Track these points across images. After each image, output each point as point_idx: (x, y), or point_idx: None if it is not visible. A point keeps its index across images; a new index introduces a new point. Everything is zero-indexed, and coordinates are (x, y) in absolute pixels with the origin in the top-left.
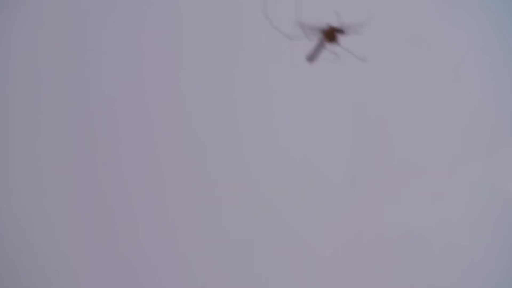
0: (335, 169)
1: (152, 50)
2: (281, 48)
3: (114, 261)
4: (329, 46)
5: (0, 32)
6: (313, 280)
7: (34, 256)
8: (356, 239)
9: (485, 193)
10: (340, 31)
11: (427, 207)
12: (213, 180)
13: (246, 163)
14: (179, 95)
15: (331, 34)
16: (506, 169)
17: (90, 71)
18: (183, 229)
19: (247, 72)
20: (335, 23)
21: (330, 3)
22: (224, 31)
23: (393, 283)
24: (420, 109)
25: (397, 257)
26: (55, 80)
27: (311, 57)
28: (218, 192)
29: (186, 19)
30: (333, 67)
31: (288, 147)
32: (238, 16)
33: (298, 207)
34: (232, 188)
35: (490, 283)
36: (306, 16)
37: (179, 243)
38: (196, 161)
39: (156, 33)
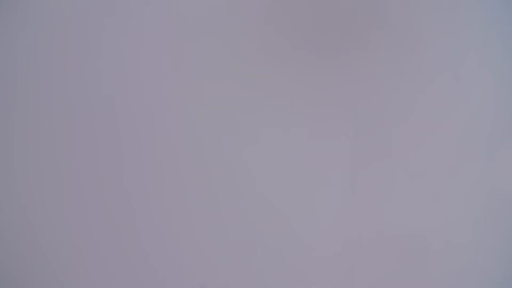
0: (336, 168)
1: (151, 50)
2: (283, 58)
3: (114, 261)
4: None
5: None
6: (314, 280)
7: (34, 256)
8: (356, 239)
9: (485, 193)
10: None
11: (428, 208)
12: (213, 180)
13: (246, 164)
14: (179, 95)
15: None
16: (506, 170)
17: (90, 71)
18: (183, 229)
19: (247, 74)
20: None
21: None
22: (225, 30)
23: (394, 283)
24: (420, 110)
25: (397, 257)
26: (55, 80)
27: None
28: (219, 192)
29: (185, 20)
30: (332, 71)
31: (289, 148)
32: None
33: (298, 207)
34: (233, 189)
35: (490, 283)
36: None
37: (179, 243)
38: (196, 161)
39: (156, 33)
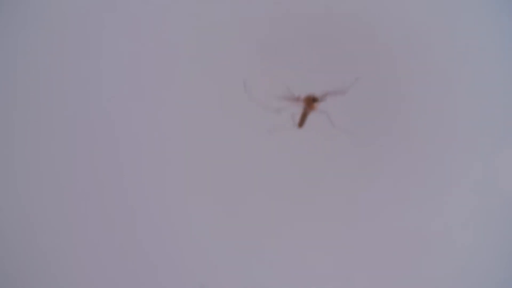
0: (336, 166)
1: (151, 51)
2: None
3: (114, 261)
4: (311, 112)
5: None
6: (313, 279)
7: (34, 256)
8: (356, 238)
9: (486, 193)
10: (317, 99)
11: (428, 208)
12: (213, 180)
13: (245, 164)
14: (179, 95)
15: (310, 102)
16: (508, 170)
17: (89, 71)
18: (183, 229)
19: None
20: (313, 93)
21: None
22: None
23: (394, 284)
24: (423, 110)
25: (397, 258)
26: (55, 80)
27: (300, 124)
28: (219, 192)
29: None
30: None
31: (287, 149)
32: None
33: (299, 207)
34: (232, 188)
35: (491, 284)
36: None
37: (179, 243)
38: (196, 161)
39: (156, 34)
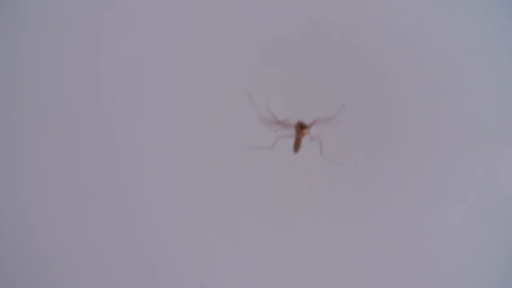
0: (337, 166)
1: (151, 51)
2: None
3: (114, 261)
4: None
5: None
6: (313, 279)
7: (34, 256)
8: (355, 236)
9: (486, 193)
10: (305, 126)
11: (428, 208)
12: (213, 180)
13: (246, 164)
14: (179, 94)
15: (299, 129)
16: (508, 170)
17: (89, 71)
18: (183, 229)
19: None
20: (301, 121)
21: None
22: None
23: (394, 283)
24: (422, 110)
25: (397, 257)
26: (55, 80)
27: (295, 149)
28: (218, 192)
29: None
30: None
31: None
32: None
33: (299, 207)
34: (232, 188)
35: (491, 284)
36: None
37: (179, 243)
38: (196, 161)
39: (156, 33)
